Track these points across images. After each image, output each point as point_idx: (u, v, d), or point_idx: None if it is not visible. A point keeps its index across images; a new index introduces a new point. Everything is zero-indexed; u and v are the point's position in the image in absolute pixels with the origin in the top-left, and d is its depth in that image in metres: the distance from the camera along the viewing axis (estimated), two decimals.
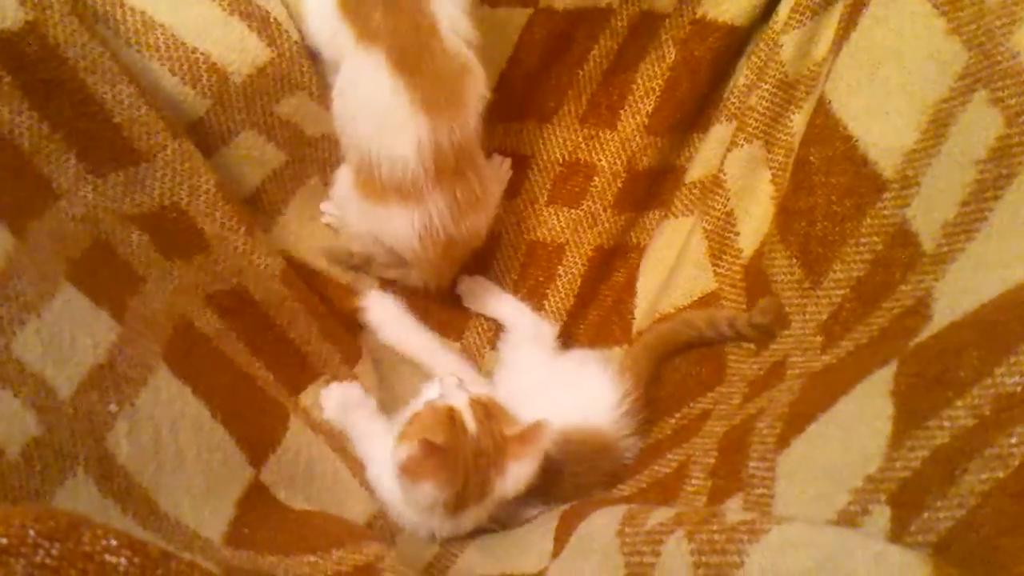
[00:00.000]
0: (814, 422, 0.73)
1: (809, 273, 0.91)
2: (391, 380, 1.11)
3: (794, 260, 0.93)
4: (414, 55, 0.90)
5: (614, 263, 1.22)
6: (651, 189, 1.20)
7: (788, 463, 0.74)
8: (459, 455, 0.88)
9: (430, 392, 0.95)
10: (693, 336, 1.03)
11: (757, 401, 0.87)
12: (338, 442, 0.98)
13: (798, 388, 0.82)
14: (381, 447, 0.95)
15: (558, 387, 1.05)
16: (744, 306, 1.01)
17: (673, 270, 1.12)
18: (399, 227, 0.97)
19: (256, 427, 0.87)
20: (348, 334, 1.08)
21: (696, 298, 1.07)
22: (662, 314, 1.09)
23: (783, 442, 0.76)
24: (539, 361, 1.11)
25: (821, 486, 0.69)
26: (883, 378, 0.69)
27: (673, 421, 1.00)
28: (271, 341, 0.97)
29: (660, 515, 0.69)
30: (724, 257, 1.05)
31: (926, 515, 0.60)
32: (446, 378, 0.97)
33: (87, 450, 0.70)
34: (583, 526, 0.80)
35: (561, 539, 0.82)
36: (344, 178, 1.00)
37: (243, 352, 0.92)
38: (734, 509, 0.62)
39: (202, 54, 0.88)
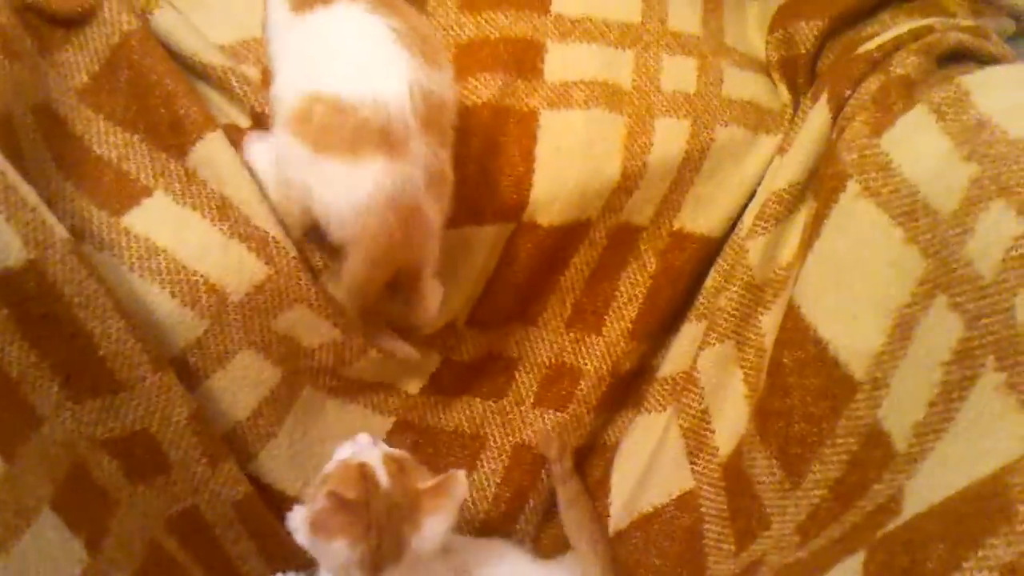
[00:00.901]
0: None
1: (790, 474, 0.92)
2: None
3: (774, 461, 0.94)
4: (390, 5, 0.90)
5: (591, 461, 1.22)
6: (628, 390, 1.22)
7: None
8: (371, 510, 0.84)
9: (342, 452, 0.93)
10: None
11: None
12: None
13: None
14: None
15: None
16: (724, 506, 1.00)
17: (649, 467, 1.12)
18: (358, 185, 0.85)
19: None
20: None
21: (674, 496, 1.06)
22: (642, 513, 1.08)
23: None
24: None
25: None
26: (851, 568, 0.69)
27: None
28: (217, 562, 0.97)
29: None
30: (701, 455, 1.06)
31: None
32: (360, 436, 0.95)
33: None
34: None
35: None
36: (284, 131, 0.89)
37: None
38: None
39: (202, 276, 0.91)
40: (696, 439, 1.07)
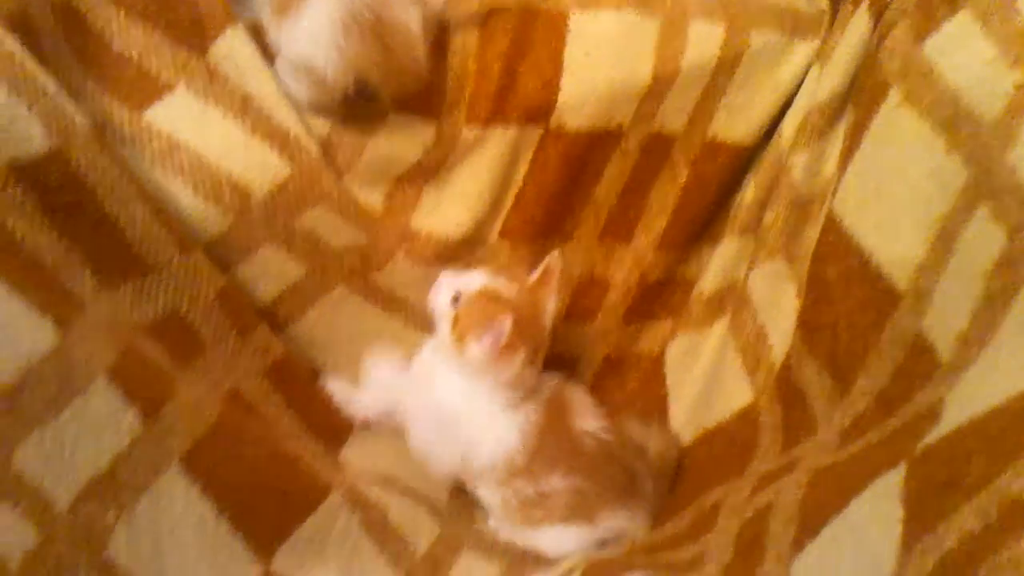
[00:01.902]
0: (827, 525, 0.72)
1: (839, 383, 0.91)
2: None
3: (824, 372, 0.93)
4: None
5: (625, 372, 1.22)
6: (657, 300, 1.22)
7: (803, 566, 0.73)
8: (521, 317, 0.95)
9: (442, 290, 1.00)
10: None
11: (764, 494, 0.86)
12: (377, 513, 0.98)
13: (805, 482, 0.82)
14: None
15: None
16: (780, 417, 1.00)
17: (708, 385, 1.12)
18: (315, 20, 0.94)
19: (272, 516, 0.87)
20: (332, 425, 1.07)
21: (735, 412, 1.06)
22: (706, 429, 1.09)
23: (798, 545, 0.74)
24: None
25: None
26: (893, 481, 0.68)
27: (688, 513, 0.99)
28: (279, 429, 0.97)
29: None
30: (759, 371, 1.05)
31: None
32: (443, 279, 1.01)
33: (87, 560, 0.71)
34: None
35: None
36: None
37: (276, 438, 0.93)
38: None
39: (225, 173, 0.91)
40: (753, 355, 1.06)
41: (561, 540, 1.02)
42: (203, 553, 0.79)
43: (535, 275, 1.01)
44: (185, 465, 0.79)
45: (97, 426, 0.74)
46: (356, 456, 1.05)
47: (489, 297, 0.97)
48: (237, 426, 0.88)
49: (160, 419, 0.79)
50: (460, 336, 0.96)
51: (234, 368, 0.95)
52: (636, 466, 1.03)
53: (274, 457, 0.90)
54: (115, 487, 0.74)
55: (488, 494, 1.03)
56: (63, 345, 0.72)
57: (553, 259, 1.01)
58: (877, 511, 0.68)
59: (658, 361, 1.21)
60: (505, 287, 0.98)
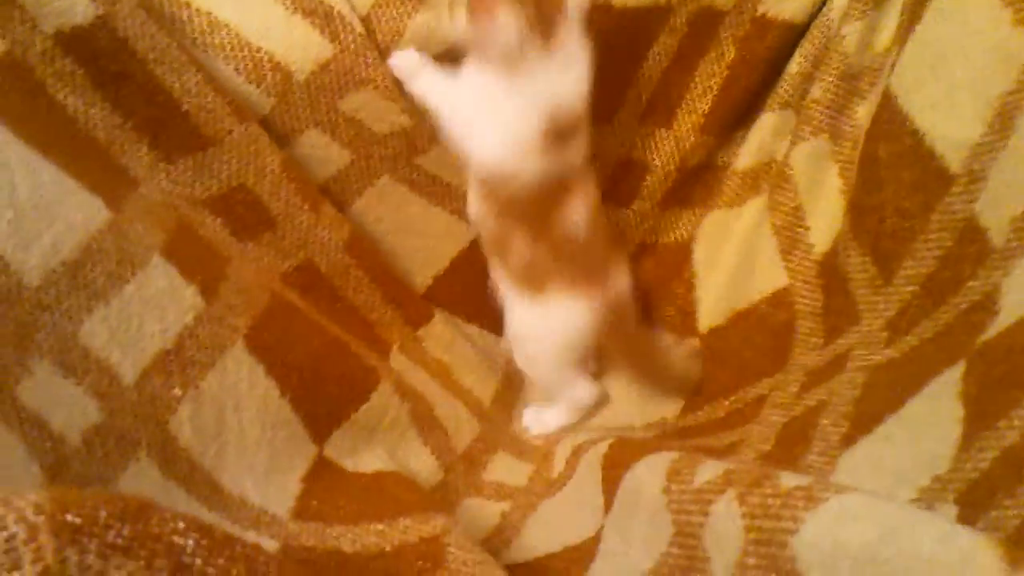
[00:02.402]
0: (882, 423, 0.72)
1: (882, 270, 0.90)
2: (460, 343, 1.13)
3: (867, 257, 0.92)
4: None
5: (658, 259, 1.21)
6: (695, 186, 1.20)
7: (851, 460, 0.73)
8: None
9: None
10: None
11: (816, 392, 0.86)
12: (425, 406, 1.00)
13: (860, 382, 0.81)
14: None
15: None
16: (820, 302, 0.99)
17: (739, 264, 1.11)
18: None
19: (328, 401, 0.89)
20: (413, 298, 1.09)
21: (768, 294, 1.05)
22: (736, 310, 1.08)
23: (849, 440, 0.75)
24: None
25: (885, 483, 0.68)
26: (952, 379, 0.68)
27: (727, 403, 1.00)
28: (341, 311, 0.98)
29: (708, 471, 0.67)
30: (795, 252, 1.04)
31: (994, 513, 0.59)
32: None
33: (149, 434, 0.72)
34: (628, 478, 0.78)
35: (609, 491, 0.81)
36: None
37: (328, 324, 0.94)
38: (788, 474, 0.60)
39: (266, 53, 0.89)
40: (790, 236, 1.05)
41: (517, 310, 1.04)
42: (264, 433, 0.81)
43: None
44: (249, 343, 0.81)
45: (160, 301, 0.75)
46: (429, 335, 1.08)
47: None
48: (290, 308, 0.89)
49: (220, 297, 0.80)
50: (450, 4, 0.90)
51: (308, 242, 0.96)
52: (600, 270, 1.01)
53: (329, 342, 0.91)
54: (182, 362, 0.75)
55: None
56: (117, 220, 0.73)
57: None
58: (936, 410, 0.68)
59: (688, 247, 1.20)
60: None
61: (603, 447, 0.89)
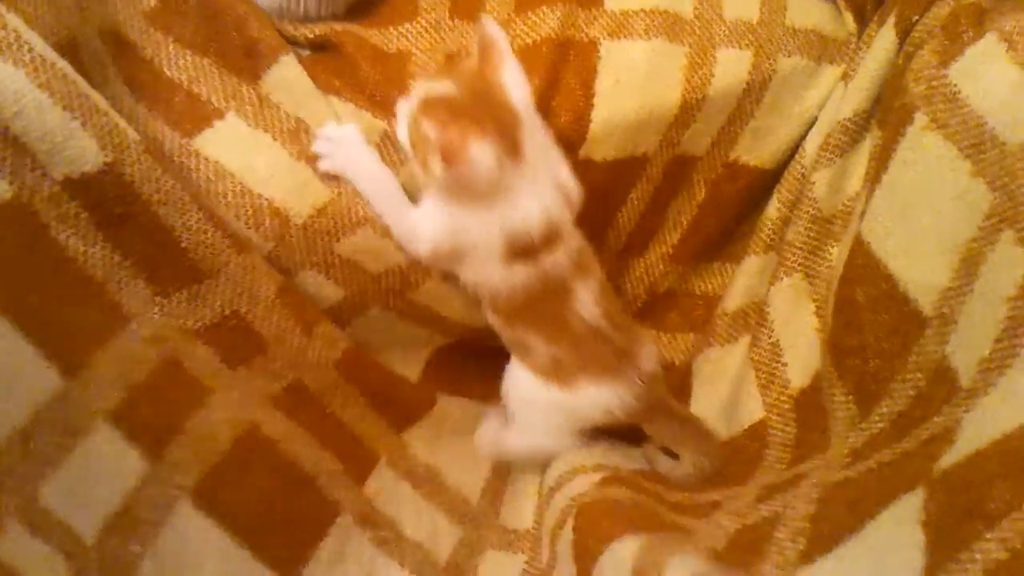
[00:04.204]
0: (841, 544, 0.73)
1: (862, 409, 0.92)
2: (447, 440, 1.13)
3: (850, 396, 0.94)
4: None
5: None
6: (675, 310, 1.24)
7: None
8: (466, 102, 0.86)
9: (401, 129, 0.92)
10: None
11: (770, 504, 0.86)
12: (391, 531, 1.00)
13: (815, 497, 0.82)
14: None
15: None
16: (792, 435, 1.01)
17: (727, 399, 1.13)
18: None
19: (289, 542, 0.89)
20: (398, 400, 1.09)
21: (745, 427, 1.07)
22: (722, 441, 1.09)
23: (806, 557, 0.75)
24: None
25: None
26: (913, 505, 0.69)
27: (681, 496, 0.99)
28: (328, 428, 0.99)
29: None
30: (772, 387, 1.06)
31: None
32: (398, 109, 0.93)
33: None
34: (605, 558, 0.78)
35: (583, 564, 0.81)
36: None
37: (310, 447, 0.94)
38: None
39: (267, 200, 0.93)
40: (767, 371, 1.07)
41: (539, 395, 1.02)
42: None
43: (474, 55, 0.90)
44: (196, 499, 0.82)
45: (106, 466, 0.77)
46: (415, 437, 1.08)
47: (433, 106, 0.87)
48: (250, 450, 0.89)
49: (164, 457, 0.81)
50: (422, 161, 0.87)
51: (299, 363, 0.97)
52: (627, 352, 1.00)
53: (287, 480, 0.92)
54: (133, 522, 0.78)
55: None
56: (67, 389, 0.75)
57: (486, 28, 0.89)
58: (897, 536, 0.69)
59: (679, 371, 1.22)
60: (449, 87, 0.88)
61: (569, 532, 0.89)
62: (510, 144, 0.88)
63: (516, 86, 0.89)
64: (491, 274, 0.96)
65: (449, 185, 0.90)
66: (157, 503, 0.79)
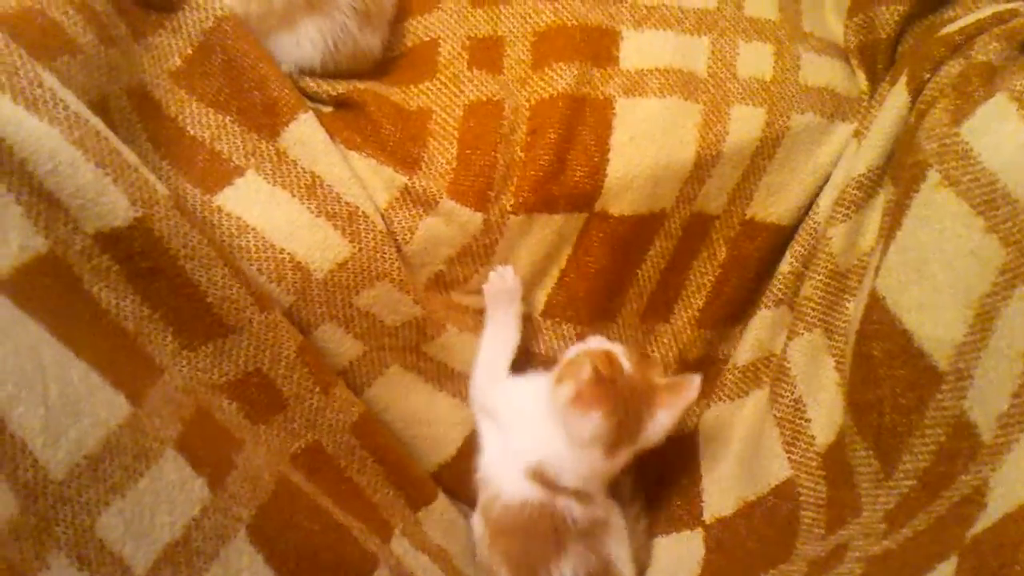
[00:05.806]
0: None
1: (884, 465, 0.92)
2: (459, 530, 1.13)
3: (870, 452, 0.94)
4: None
5: (662, 448, 1.19)
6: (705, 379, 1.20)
7: None
8: (619, 388, 0.96)
9: (574, 349, 1.02)
10: None
11: None
12: None
13: (859, 573, 0.81)
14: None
15: None
16: (824, 494, 1.00)
17: (745, 456, 1.12)
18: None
19: None
20: (415, 480, 1.10)
21: (773, 486, 1.06)
22: (746, 501, 1.09)
23: None
24: None
25: None
26: (945, 574, 0.69)
27: None
28: (346, 492, 1.00)
29: None
30: (797, 444, 1.06)
31: None
32: (591, 338, 1.05)
33: None
34: None
35: None
36: None
37: (334, 505, 0.95)
38: None
39: (288, 254, 0.95)
40: (792, 428, 1.07)
41: None
42: None
43: (666, 380, 1.01)
44: (251, 533, 0.82)
45: (171, 494, 0.77)
46: (428, 519, 1.09)
47: (602, 357, 0.97)
48: (294, 494, 0.90)
49: (226, 487, 0.81)
50: (558, 378, 0.98)
51: (317, 423, 0.98)
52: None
53: (329, 527, 0.92)
54: (188, 553, 0.77)
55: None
56: (136, 415, 0.75)
57: (691, 382, 1.00)
58: None
59: (694, 439, 1.21)
60: (625, 364, 0.99)
61: None
62: (616, 434, 0.98)
63: (661, 421, 1.00)
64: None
65: (558, 408, 0.98)
66: (216, 534, 0.79)
